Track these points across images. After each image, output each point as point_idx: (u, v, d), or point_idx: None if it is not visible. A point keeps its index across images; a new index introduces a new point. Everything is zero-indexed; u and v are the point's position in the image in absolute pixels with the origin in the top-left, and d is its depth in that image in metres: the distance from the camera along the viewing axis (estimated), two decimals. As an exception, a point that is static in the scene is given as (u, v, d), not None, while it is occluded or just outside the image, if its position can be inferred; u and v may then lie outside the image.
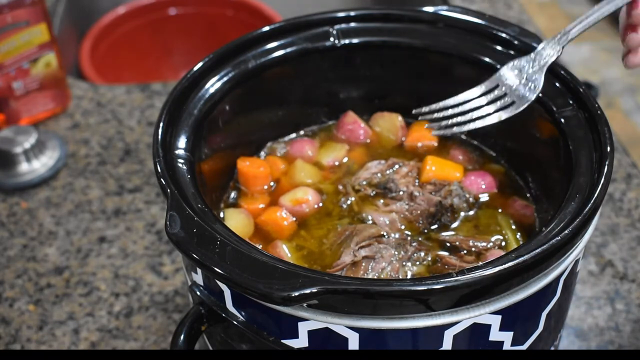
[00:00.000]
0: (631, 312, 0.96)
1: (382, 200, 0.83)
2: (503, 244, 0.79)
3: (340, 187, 0.86)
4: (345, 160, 0.90)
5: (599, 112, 0.74)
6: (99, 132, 1.24)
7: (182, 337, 0.66)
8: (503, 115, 0.79)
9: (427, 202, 0.81)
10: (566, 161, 0.73)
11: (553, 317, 0.71)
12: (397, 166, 0.86)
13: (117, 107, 1.29)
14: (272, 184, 0.87)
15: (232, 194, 0.86)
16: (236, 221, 0.81)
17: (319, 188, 0.86)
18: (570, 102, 0.77)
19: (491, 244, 0.78)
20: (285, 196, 0.84)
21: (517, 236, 0.80)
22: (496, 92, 0.80)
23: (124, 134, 1.23)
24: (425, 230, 0.80)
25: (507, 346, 0.67)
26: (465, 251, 0.78)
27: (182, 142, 0.75)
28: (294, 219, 0.82)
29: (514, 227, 0.81)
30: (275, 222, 0.82)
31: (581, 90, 0.77)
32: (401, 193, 0.83)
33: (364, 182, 0.85)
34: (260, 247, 0.79)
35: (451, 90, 0.86)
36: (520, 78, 0.79)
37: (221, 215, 0.83)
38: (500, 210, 0.83)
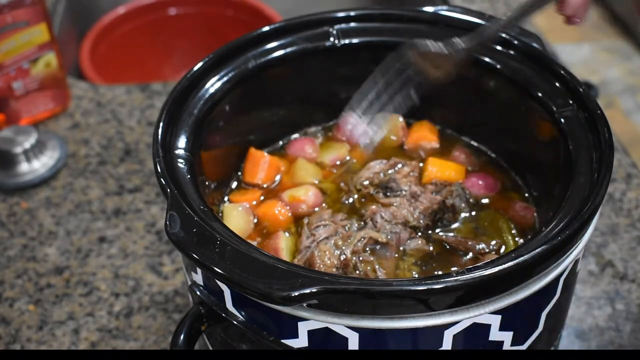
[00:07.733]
0: (631, 312, 0.96)
1: (383, 198, 0.83)
2: (503, 248, 0.79)
3: (342, 185, 0.86)
4: (347, 159, 0.90)
5: (599, 112, 0.74)
6: (99, 132, 1.24)
7: (182, 337, 0.66)
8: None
9: (429, 201, 0.81)
10: (566, 161, 0.73)
11: (553, 317, 0.71)
12: (398, 166, 0.86)
13: (117, 107, 1.29)
14: (277, 177, 0.88)
15: (231, 189, 0.86)
16: (237, 218, 0.82)
17: (320, 187, 0.86)
18: (570, 102, 0.77)
19: (485, 246, 0.78)
20: (287, 192, 0.85)
21: (517, 240, 0.80)
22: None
23: (124, 134, 1.23)
24: (429, 232, 0.80)
25: (507, 346, 0.67)
26: (462, 253, 0.78)
27: (182, 141, 0.75)
28: (290, 214, 0.83)
29: (514, 231, 0.81)
30: (272, 216, 0.82)
31: (581, 90, 0.77)
32: (403, 192, 0.83)
33: (366, 182, 0.85)
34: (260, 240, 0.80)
35: (450, 90, 0.86)
36: None
37: (220, 209, 0.83)
38: (501, 212, 0.83)
